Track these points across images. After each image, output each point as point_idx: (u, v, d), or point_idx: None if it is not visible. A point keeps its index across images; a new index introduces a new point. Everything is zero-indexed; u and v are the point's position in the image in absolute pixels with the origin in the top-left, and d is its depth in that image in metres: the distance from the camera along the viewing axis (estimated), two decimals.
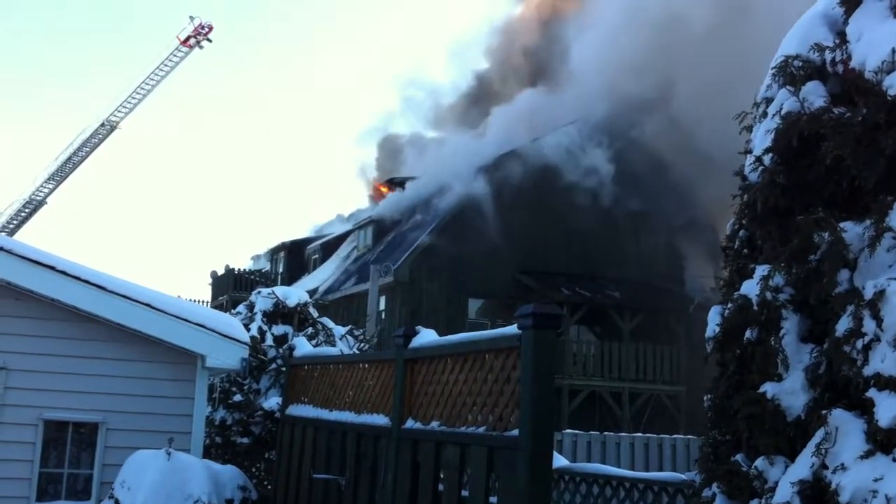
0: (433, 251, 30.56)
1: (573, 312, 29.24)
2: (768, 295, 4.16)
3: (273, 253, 46.49)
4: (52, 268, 9.57)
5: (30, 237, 55.92)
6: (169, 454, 8.65)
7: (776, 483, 3.86)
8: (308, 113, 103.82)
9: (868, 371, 3.67)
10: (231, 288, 42.24)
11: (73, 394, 9.61)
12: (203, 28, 52.13)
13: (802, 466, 3.74)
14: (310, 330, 13.26)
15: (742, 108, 4.84)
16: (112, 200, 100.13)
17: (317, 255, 42.39)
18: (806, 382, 3.96)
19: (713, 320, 4.57)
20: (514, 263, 30.80)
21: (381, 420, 7.65)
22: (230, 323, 10.57)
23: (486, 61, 47.96)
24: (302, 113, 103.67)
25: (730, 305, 4.46)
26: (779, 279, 4.16)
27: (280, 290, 14.00)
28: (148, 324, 9.79)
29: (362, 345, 14.05)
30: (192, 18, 52.17)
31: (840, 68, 4.36)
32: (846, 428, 3.65)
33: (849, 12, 4.41)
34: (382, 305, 30.22)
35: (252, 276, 42.91)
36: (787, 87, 4.47)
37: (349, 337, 13.71)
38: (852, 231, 3.94)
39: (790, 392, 3.98)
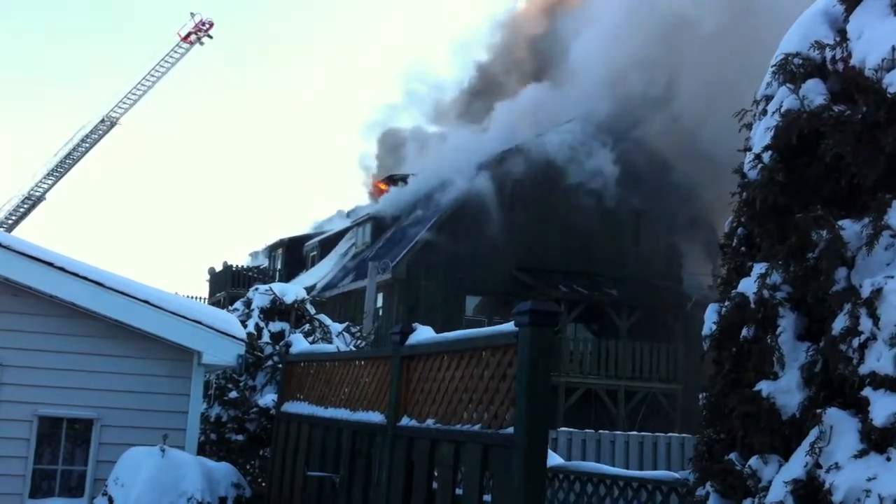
0: (431, 248, 30.53)
1: (570, 310, 29.23)
2: (766, 293, 4.14)
3: (271, 250, 46.46)
4: (50, 264, 9.53)
5: (28, 233, 55.80)
6: (163, 451, 8.63)
7: (770, 482, 3.85)
8: (308, 109, 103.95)
9: (864, 370, 3.66)
10: (229, 284, 42.24)
11: (68, 390, 9.57)
12: (204, 24, 52.06)
13: (796, 465, 3.72)
14: (307, 327, 13.25)
15: (745, 107, 4.83)
16: (111, 197, 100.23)
17: (315, 252, 42.34)
18: (801, 381, 3.94)
19: (710, 318, 4.55)
20: (512, 260, 30.78)
21: (376, 417, 7.63)
22: (227, 320, 10.54)
23: (488, 56, 47.80)
24: (302, 109, 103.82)
25: (727, 303, 4.44)
26: (776, 277, 4.15)
27: (277, 287, 14.00)
28: (145, 320, 9.75)
29: (359, 342, 14.04)
30: (192, 15, 52.22)
31: (840, 66, 4.34)
32: (841, 427, 3.64)
33: (849, 10, 4.39)
34: (380, 302, 30.22)
35: (250, 273, 42.84)
36: (787, 84, 4.45)
37: (346, 334, 13.70)
38: (851, 229, 3.92)
39: (785, 390, 3.97)
